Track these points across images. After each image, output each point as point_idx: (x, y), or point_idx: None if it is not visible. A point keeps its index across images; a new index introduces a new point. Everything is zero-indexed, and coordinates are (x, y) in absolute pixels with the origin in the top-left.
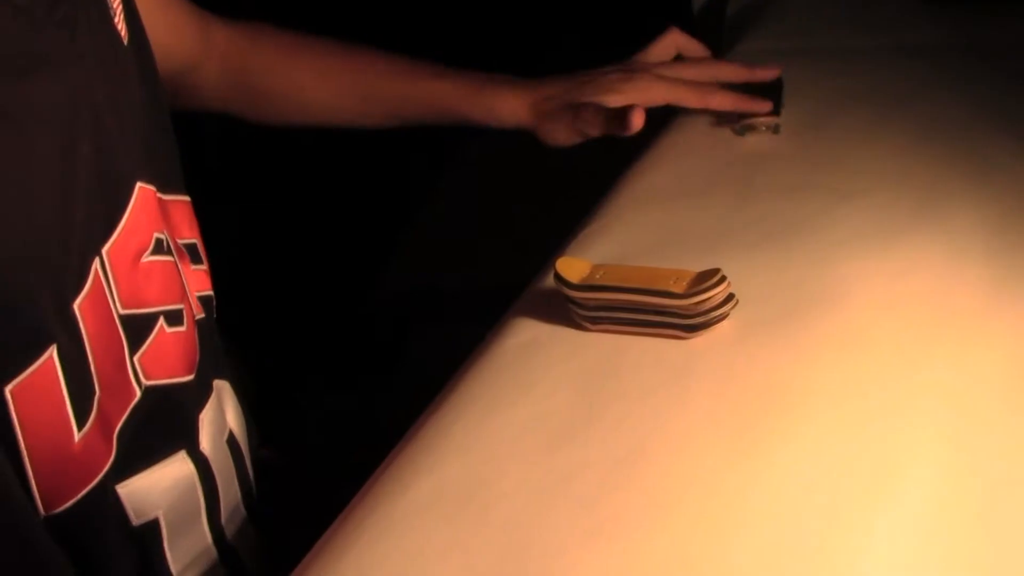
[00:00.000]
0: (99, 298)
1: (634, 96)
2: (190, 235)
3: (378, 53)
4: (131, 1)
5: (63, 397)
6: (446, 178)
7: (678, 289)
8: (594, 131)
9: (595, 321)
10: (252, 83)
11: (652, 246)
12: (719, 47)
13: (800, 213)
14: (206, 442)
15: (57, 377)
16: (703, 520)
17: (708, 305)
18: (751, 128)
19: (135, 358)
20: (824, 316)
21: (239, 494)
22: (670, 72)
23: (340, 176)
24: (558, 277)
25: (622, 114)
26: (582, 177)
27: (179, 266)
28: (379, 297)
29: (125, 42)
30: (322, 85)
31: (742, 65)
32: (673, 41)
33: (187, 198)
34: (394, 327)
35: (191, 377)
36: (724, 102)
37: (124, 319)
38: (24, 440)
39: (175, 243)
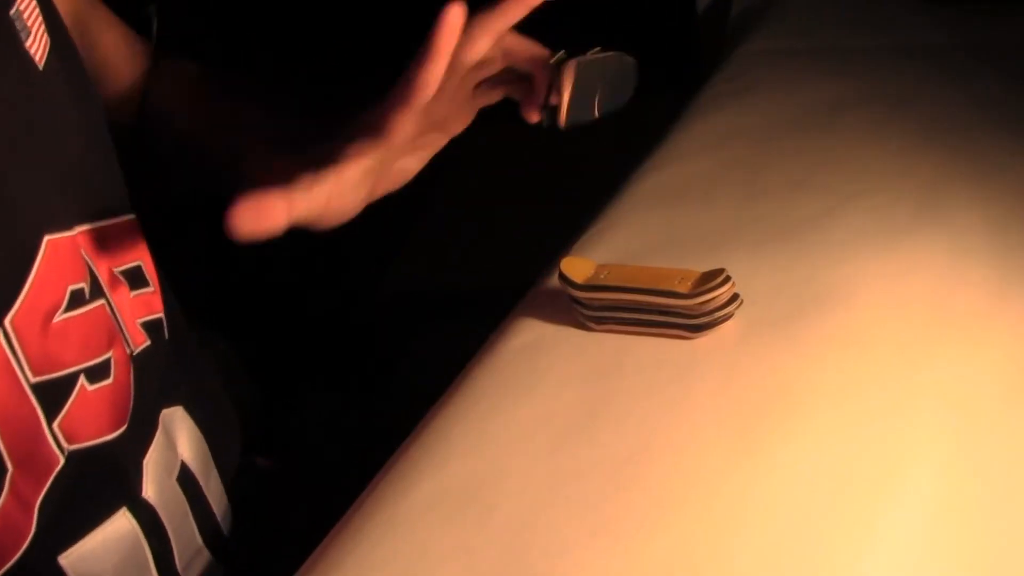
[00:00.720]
0: (4, 370)
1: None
2: (132, 258)
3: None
4: (52, 13)
5: None
6: (448, 179)
7: (683, 289)
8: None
9: (599, 321)
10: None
11: (656, 246)
12: (722, 47)
13: (803, 213)
14: (151, 489)
15: None
16: (707, 520)
17: (713, 305)
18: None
19: (54, 425)
20: (827, 316)
21: (196, 532)
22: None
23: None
24: (563, 277)
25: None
26: (585, 178)
27: (111, 305)
28: (381, 299)
29: (40, 65)
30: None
31: None
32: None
33: (130, 216)
34: (397, 329)
35: (123, 429)
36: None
37: (36, 387)
38: None
39: (108, 278)
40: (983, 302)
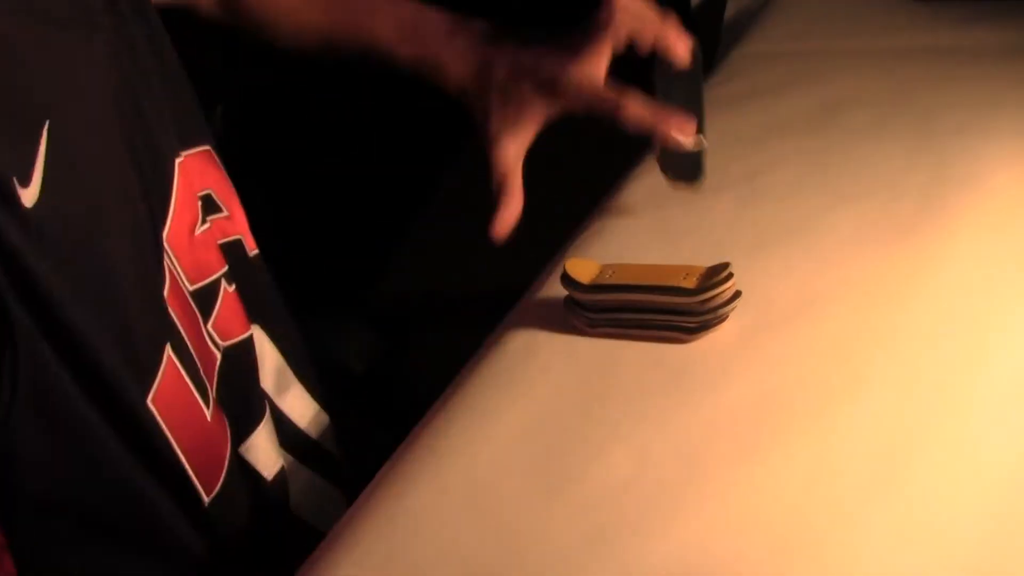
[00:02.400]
0: (176, 288)
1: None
2: (215, 184)
3: None
4: None
5: (188, 386)
6: (442, 181)
7: (689, 284)
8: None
9: (595, 324)
10: (245, 9)
11: (653, 248)
12: (717, 50)
13: (800, 214)
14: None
15: (179, 372)
16: (704, 524)
17: (718, 301)
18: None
19: (209, 326)
20: (825, 318)
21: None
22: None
23: (337, 182)
24: (567, 279)
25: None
26: (581, 180)
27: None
28: (378, 301)
29: (127, 12)
30: (300, 13)
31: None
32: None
33: (207, 146)
34: (393, 331)
35: (249, 332)
36: (641, 114)
37: (194, 295)
38: (177, 442)
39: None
40: (984, 304)
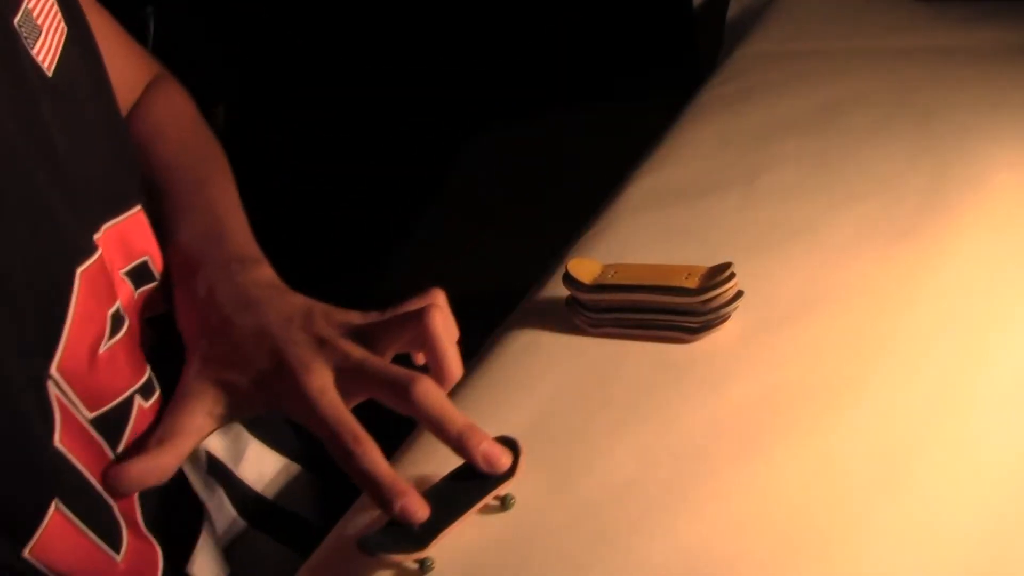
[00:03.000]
0: (72, 421)
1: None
2: (143, 251)
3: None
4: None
5: (84, 537)
6: (444, 184)
7: (691, 284)
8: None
9: (597, 324)
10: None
11: (654, 248)
12: (720, 49)
13: (801, 215)
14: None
15: (71, 524)
16: (707, 523)
17: (720, 301)
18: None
19: (117, 451)
20: (826, 319)
21: (233, 512)
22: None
23: (337, 182)
24: (569, 279)
25: None
26: (583, 180)
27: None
28: (378, 302)
29: (50, 71)
30: None
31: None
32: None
33: (138, 207)
34: None
35: None
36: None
37: (97, 422)
38: None
39: (131, 279)
40: (985, 305)
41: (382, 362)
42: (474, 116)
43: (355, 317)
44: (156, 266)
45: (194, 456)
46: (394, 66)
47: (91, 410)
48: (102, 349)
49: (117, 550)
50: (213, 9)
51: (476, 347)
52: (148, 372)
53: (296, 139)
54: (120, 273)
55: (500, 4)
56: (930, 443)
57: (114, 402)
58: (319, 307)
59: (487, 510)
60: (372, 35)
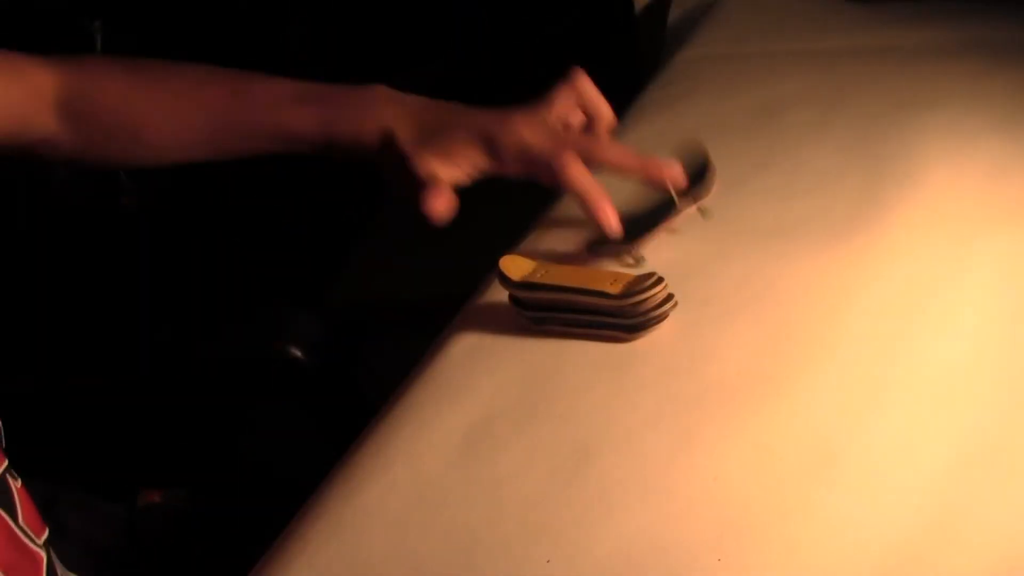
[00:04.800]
0: None
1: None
2: None
3: (230, 76)
4: None
5: None
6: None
7: (614, 290)
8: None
9: (539, 322)
10: (97, 129)
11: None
12: (661, 54)
13: (740, 214)
14: None
15: None
16: (649, 512)
17: (646, 307)
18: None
19: (20, 523)
20: (763, 313)
21: None
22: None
23: (285, 192)
24: (501, 275)
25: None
26: (524, 184)
27: None
28: (329, 307)
29: None
30: (175, 119)
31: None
32: (577, 90)
33: None
34: (346, 336)
35: (47, 533)
36: (623, 159)
37: None
38: None
39: None
40: (920, 299)
41: None
42: None
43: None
44: None
45: None
46: (342, 69)
47: None
48: None
49: None
50: (161, 24)
51: (424, 351)
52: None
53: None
54: None
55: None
56: (862, 432)
57: None
58: None
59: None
60: (328, 46)
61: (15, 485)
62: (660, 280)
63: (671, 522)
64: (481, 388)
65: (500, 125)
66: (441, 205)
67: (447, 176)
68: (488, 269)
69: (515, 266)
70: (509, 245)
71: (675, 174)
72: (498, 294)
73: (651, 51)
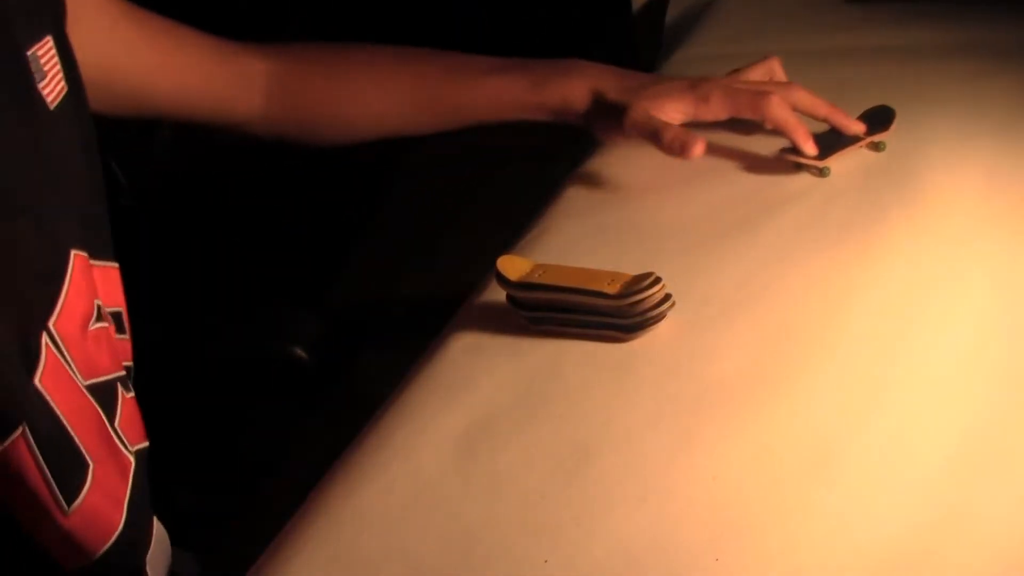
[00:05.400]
0: (60, 372)
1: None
2: (116, 303)
3: (429, 53)
4: (71, 63)
5: (38, 476)
6: (393, 188)
7: (612, 290)
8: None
9: (536, 322)
10: (305, 111)
11: (592, 249)
12: (658, 53)
13: (736, 216)
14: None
15: (28, 458)
16: (648, 513)
17: (644, 306)
18: (802, 164)
19: (116, 425)
20: (760, 314)
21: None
22: (746, 86)
23: (285, 192)
24: (498, 275)
25: (676, 140)
26: (524, 184)
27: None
28: (328, 309)
29: (52, 107)
30: (381, 98)
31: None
32: (770, 69)
33: (116, 264)
34: (345, 337)
35: (146, 443)
36: (823, 110)
37: (90, 389)
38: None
39: (105, 312)
40: (918, 300)
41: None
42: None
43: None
44: (126, 321)
45: None
46: None
47: (85, 377)
48: (91, 327)
49: (69, 503)
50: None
51: (423, 351)
52: (125, 370)
53: (235, 161)
54: (105, 309)
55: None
56: (861, 432)
57: (102, 378)
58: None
59: None
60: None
61: (124, 395)
62: (658, 280)
63: (669, 522)
64: (479, 388)
65: (703, 79)
66: (692, 142)
67: (663, 118)
68: (486, 269)
69: (512, 266)
70: (507, 245)
71: (856, 125)
72: (496, 294)
73: (649, 51)
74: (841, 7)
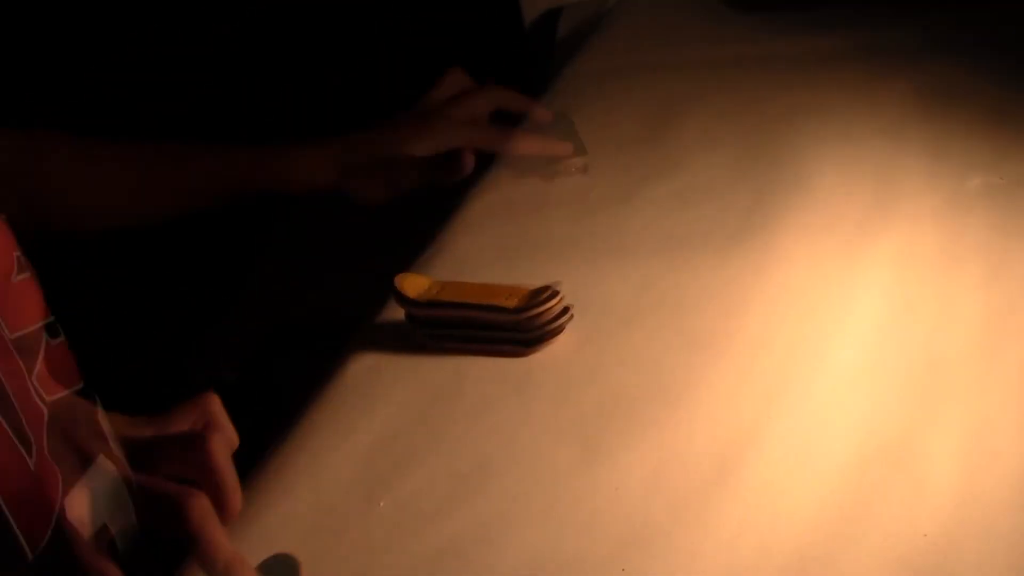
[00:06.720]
0: None
1: (436, 143)
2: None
3: (143, 142)
4: None
5: (5, 432)
6: (288, 211)
7: (510, 305)
8: (413, 183)
9: (436, 339)
10: (36, 196)
11: (493, 262)
12: (550, 67)
13: (634, 225)
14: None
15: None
16: (551, 526)
17: (542, 320)
18: (560, 171)
19: (33, 379)
20: (661, 323)
21: None
22: (462, 113)
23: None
24: (396, 293)
25: (450, 160)
26: (422, 200)
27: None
28: (228, 330)
29: None
30: (109, 191)
31: (519, 95)
32: (456, 81)
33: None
34: (248, 359)
35: (80, 385)
36: (530, 147)
37: (15, 342)
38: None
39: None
40: (814, 304)
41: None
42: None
43: (121, 425)
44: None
45: None
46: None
47: (11, 331)
48: (14, 279)
49: (30, 454)
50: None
51: (322, 373)
52: (51, 316)
53: None
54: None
55: (320, 18)
56: (761, 438)
57: (28, 329)
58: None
59: None
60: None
61: (49, 342)
62: (556, 293)
63: (574, 534)
64: (379, 410)
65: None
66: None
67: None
68: (385, 284)
69: (410, 284)
70: (404, 263)
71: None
72: (394, 312)
73: (541, 66)
74: (732, 17)
